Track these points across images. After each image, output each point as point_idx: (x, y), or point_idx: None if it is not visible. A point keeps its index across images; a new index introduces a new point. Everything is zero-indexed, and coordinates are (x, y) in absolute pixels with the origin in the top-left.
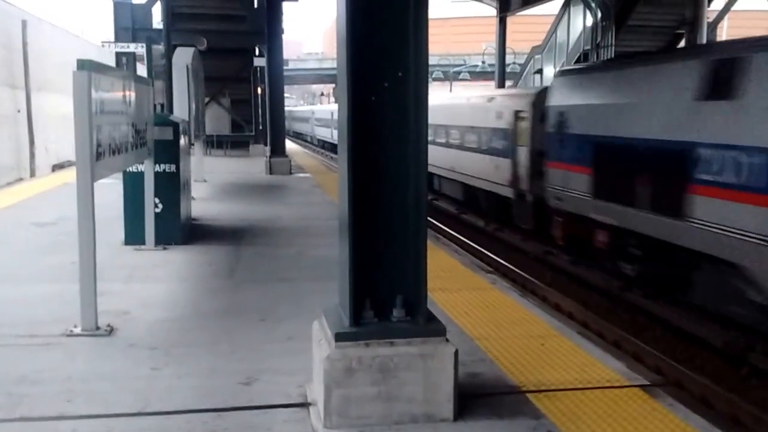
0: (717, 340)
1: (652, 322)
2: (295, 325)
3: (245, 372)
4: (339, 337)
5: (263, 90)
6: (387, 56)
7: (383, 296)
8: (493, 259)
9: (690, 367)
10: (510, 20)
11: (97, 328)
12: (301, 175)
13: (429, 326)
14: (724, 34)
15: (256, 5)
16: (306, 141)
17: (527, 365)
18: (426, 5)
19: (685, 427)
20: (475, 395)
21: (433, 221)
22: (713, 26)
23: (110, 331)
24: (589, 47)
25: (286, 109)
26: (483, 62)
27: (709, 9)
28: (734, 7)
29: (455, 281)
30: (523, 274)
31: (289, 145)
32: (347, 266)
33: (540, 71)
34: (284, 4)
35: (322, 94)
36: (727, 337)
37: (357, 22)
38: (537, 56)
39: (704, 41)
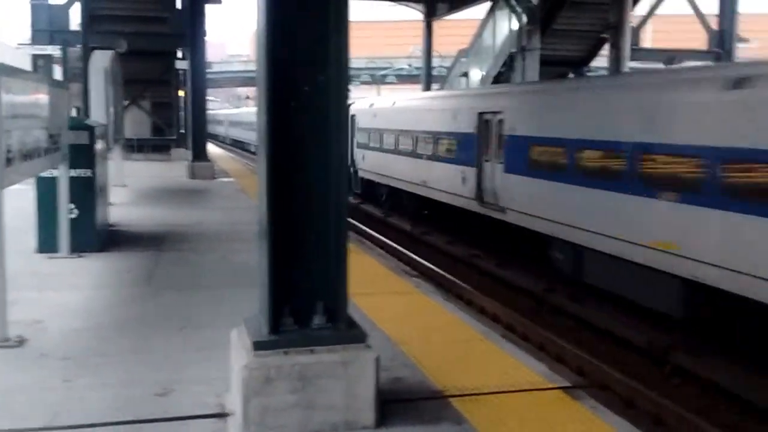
0: (640, 340)
1: (577, 324)
2: (215, 333)
3: (162, 382)
4: (257, 345)
5: (186, 93)
6: (307, 61)
7: (304, 303)
8: (420, 262)
9: (614, 367)
10: (437, 24)
11: (7, 339)
12: (225, 179)
13: (350, 333)
14: (648, 38)
15: (178, 7)
16: (253, 153)
17: (450, 369)
18: (346, 9)
19: (607, 429)
20: (397, 401)
21: (359, 225)
22: (637, 30)
23: (21, 341)
24: (515, 50)
25: (224, 113)
26: (409, 65)
27: (632, 13)
28: (657, 11)
29: (379, 285)
30: (449, 277)
31: (221, 152)
32: (266, 273)
33: (466, 74)
34: (207, 6)
35: (248, 98)
36: (649, 336)
37: (276, 26)
38: (463, 59)
39: (627, 45)
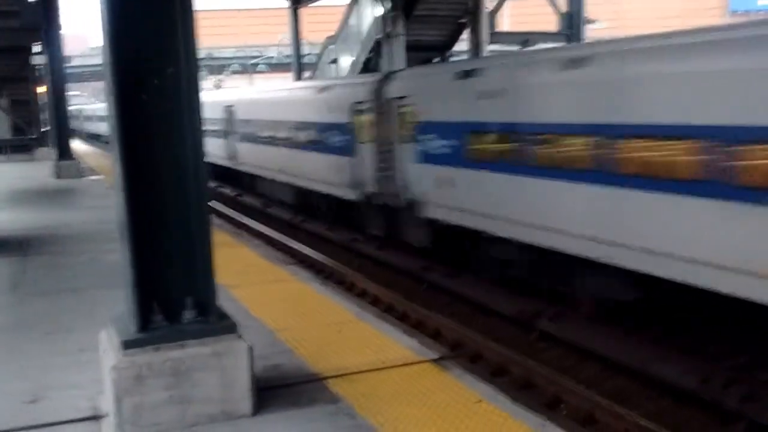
0: (510, 310)
1: (453, 299)
2: (86, 336)
3: (31, 390)
4: (126, 344)
5: (47, 89)
6: (156, 52)
7: (173, 298)
8: (299, 250)
9: (487, 337)
10: (305, 11)
11: None
12: (94, 177)
13: (221, 324)
14: (505, 22)
15: (30, 0)
16: None
17: (327, 352)
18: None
19: (471, 395)
20: (275, 387)
21: (237, 216)
22: (493, 15)
23: None
24: (380, 36)
25: (105, 107)
26: (279, 53)
27: None
28: None
29: (256, 275)
30: (329, 262)
31: (97, 151)
32: (130, 271)
33: (335, 61)
34: None
35: None
36: (518, 306)
37: (119, 15)
38: (331, 47)
39: (485, 29)
